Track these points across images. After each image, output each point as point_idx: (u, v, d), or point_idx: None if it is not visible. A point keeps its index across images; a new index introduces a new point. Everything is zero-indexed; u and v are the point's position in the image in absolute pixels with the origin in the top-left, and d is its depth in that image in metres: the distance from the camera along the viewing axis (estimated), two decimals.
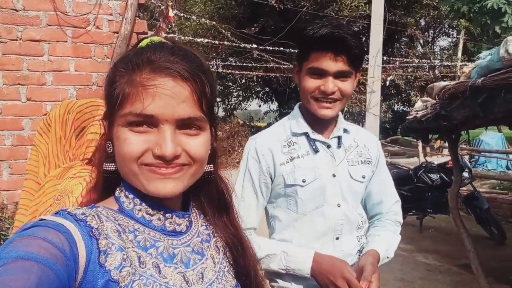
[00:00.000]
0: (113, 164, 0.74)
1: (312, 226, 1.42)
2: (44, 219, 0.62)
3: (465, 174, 5.68)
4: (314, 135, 1.45)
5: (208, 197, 0.85)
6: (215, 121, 0.78)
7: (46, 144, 1.34)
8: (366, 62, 6.86)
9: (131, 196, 0.74)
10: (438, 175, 6.05)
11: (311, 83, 1.36)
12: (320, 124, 1.45)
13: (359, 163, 1.48)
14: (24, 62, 3.10)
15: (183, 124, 0.69)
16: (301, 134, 1.46)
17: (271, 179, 1.45)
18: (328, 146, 1.45)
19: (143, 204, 0.73)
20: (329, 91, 1.33)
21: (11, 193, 3.08)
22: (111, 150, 0.73)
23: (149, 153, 0.68)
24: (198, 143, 0.71)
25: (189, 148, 0.70)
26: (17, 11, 3.07)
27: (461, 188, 5.45)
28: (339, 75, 1.34)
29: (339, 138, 1.46)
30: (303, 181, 1.40)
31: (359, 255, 1.46)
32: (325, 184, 1.42)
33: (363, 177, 1.48)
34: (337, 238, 1.44)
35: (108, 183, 0.77)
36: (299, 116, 1.49)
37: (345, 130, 1.50)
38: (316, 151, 1.43)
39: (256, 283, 0.86)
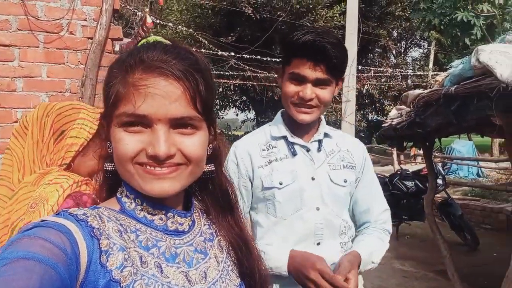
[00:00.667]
0: (112, 164, 0.74)
1: (292, 230, 1.42)
2: (45, 220, 0.62)
3: (439, 181, 5.80)
4: (292, 139, 1.46)
5: (212, 197, 0.85)
6: (213, 120, 0.77)
7: (21, 148, 1.29)
8: None
9: (132, 196, 0.74)
10: (413, 182, 6.16)
11: (290, 88, 1.39)
12: (300, 128, 1.47)
13: (341, 167, 1.47)
14: None
15: (178, 124, 0.69)
16: (280, 138, 1.48)
17: (251, 182, 1.46)
18: (308, 150, 1.46)
19: (144, 204, 0.73)
20: (306, 97, 1.36)
21: None
22: (111, 150, 0.72)
23: (143, 153, 0.68)
24: (193, 143, 0.70)
25: (184, 148, 0.69)
26: None
27: (436, 195, 5.56)
28: (318, 83, 1.36)
29: (319, 142, 1.47)
30: (280, 184, 1.41)
31: None
32: (303, 186, 1.42)
33: (345, 181, 1.46)
34: (318, 244, 1.43)
35: (111, 184, 0.78)
36: (279, 121, 1.51)
37: (327, 135, 1.50)
38: (294, 154, 1.44)
39: (260, 283, 0.86)
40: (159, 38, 0.78)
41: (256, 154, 1.46)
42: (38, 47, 3.09)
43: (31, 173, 1.26)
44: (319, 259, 1.29)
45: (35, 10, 3.08)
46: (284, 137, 1.47)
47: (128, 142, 0.68)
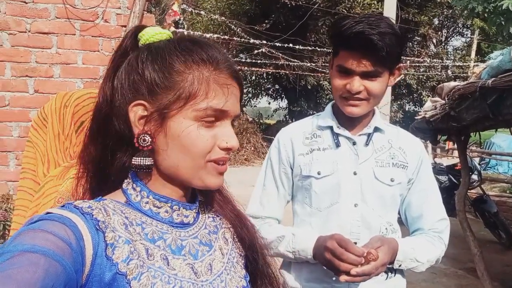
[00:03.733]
0: (148, 158, 0.71)
1: (327, 224, 1.37)
2: (51, 212, 0.62)
3: (474, 177, 5.61)
4: (338, 130, 1.41)
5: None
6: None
7: (43, 141, 1.28)
8: None
9: (138, 188, 0.74)
10: (447, 177, 5.98)
11: (338, 81, 1.34)
12: (349, 121, 1.41)
13: (390, 165, 1.39)
14: (33, 54, 3.11)
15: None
16: (326, 128, 1.43)
17: (291, 168, 1.44)
18: (354, 143, 1.39)
19: (151, 196, 0.74)
20: (353, 90, 1.29)
21: (17, 184, 3.11)
22: (148, 143, 0.70)
23: (215, 147, 0.72)
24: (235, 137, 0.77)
25: (233, 143, 0.74)
26: (26, 3, 3.09)
27: (470, 191, 5.38)
28: (366, 75, 1.29)
29: (368, 136, 1.40)
30: (318, 173, 1.37)
31: (387, 275, 1.36)
32: (342, 180, 1.36)
33: (392, 180, 1.37)
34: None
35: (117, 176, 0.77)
36: (329, 112, 1.47)
37: (378, 129, 1.42)
38: (338, 145, 1.39)
39: (263, 274, 0.87)
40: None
41: (299, 141, 1.43)
42: (75, 34, 3.19)
43: (55, 166, 1.25)
44: (332, 236, 1.24)
45: None
46: (330, 128, 1.42)
47: (207, 137, 0.71)
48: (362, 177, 1.37)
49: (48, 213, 0.62)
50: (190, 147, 0.70)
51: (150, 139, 0.70)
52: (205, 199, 0.85)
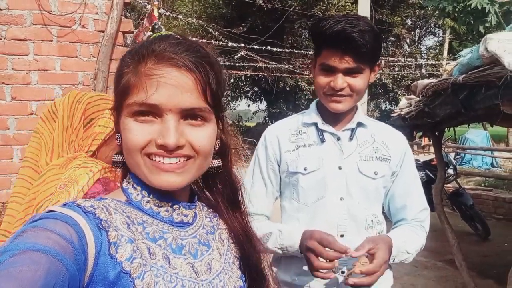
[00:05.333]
0: (121, 156, 0.74)
1: (314, 218, 1.41)
2: (53, 211, 0.62)
3: (450, 171, 5.77)
4: (323, 126, 1.45)
5: (220, 192, 0.85)
6: (222, 114, 0.78)
7: (50, 132, 1.31)
8: None
9: (139, 188, 0.74)
10: (424, 172, 6.12)
11: (322, 79, 1.38)
12: (333, 117, 1.45)
13: (374, 159, 1.43)
14: (9, 61, 3.06)
15: (187, 115, 0.69)
16: (311, 125, 1.47)
17: (278, 165, 1.48)
18: (338, 139, 1.43)
19: (151, 195, 0.74)
20: (337, 87, 1.34)
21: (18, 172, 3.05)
22: (120, 142, 0.72)
23: (152, 143, 0.68)
24: (202, 135, 0.71)
25: (193, 139, 0.69)
26: (1, 10, 3.04)
27: (446, 185, 5.54)
28: (349, 72, 1.34)
29: (352, 131, 1.44)
30: (305, 169, 1.41)
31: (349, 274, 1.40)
32: (327, 175, 1.40)
33: (376, 173, 1.41)
34: (342, 236, 1.39)
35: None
36: (313, 109, 1.51)
37: (361, 124, 1.46)
38: (322, 141, 1.43)
39: (260, 278, 0.88)
40: (170, 33, 0.79)
41: (285, 138, 1.48)
42: (52, 41, 3.16)
43: (58, 157, 1.29)
44: (320, 231, 1.28)
45: (48, 5, 3.15)
46: (315, 124, 1.46)
47: (138, 132, 0.67)
48: (347, 171, 1.41)
49: (50, 211, 0.62)
50: (125, 141, 0.70)
51: (120, 137, 0.72)
52: (219, 210, 0.85)
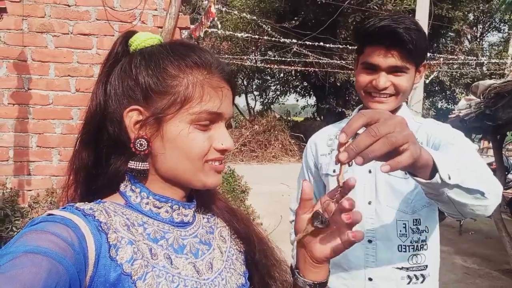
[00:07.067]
0: (143, 163, 0.72)
1: None
2: (52, 214, 0.63)
3: (510, 176, 5.46)
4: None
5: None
6: None
7: None
8: None
9: (138, 190, 0.74)
10: None
11: (363, 77, 1.32)
12: None
13: None
14: (74, 55, 3.27)
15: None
16: None
17: (316, 168, 1.54)
18: None
19: (151, 197, 0.74)
20: (380, 87, 1.28)
21: (60, 179, 3.28)
22: (145, 148, 0.70)
23: (212, 149, 0.73)
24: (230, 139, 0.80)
25: (228, 143, 0.76)
26: (69, 6, 3.24)
27: (505, 191, 5.24)
28: (393, 70, 1.28)
29: None
30: (334, 171, 1.41)
31: (408, 278, 1.30)
32: (355, 177, 1.37)
33: (405, 173, 1.34)
34: (370, 241, 1.33)
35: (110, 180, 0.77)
36: (355, 113, 1.48)
37: None
38: None
39: (261, 258, 0.87)
40: (144, 35, 0.77)
41: (323, 143, 1.52)
42: (114, 35, 3.32)
43: None
44: None
45: (112, 1, 3.31)
46: None
47: (203, 140, 0.71)
48: (377, 174, 1.36)
49: (50, 214, 0.63)
50: (187, 150, 0.70)
51: (146, 143, 0.71)
52: (200, 198, 0.85)
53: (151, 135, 0.71)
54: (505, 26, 21.02)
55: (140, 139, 0.70)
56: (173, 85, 0.70)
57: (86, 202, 0.69)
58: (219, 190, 0.92)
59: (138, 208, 0.74)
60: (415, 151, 0.72)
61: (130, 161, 0.72)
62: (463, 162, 0.95)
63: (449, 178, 0.86)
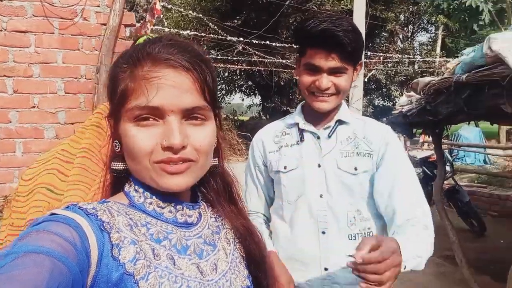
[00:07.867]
0: (121, 163, 0.74)
1: (297, 215, 1.45)
2: (55, 214, 0.62)
3: (447, 168, 5.83)
4: (304, 126, 1.49)
5: (215, 189, 0.85)
6: (219, 111, 0.79)
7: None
8: None
9: (141, 190, 0.74)
10: (421, 169, 6.18)
11: (306, 78, 1.40)
12: (316, 116, 1.48)
13: (355, 155, 1.43)
14: (10, 54, 3.02)
15: (188, 115, 0.70)
16: (293, 125, 1.53)
17: (265, 165, 1.55)
18: (318, 137, 1.47)
19: (154, 197, 0.74)
20: (322, 87, 1.36)
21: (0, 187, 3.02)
22: (119, 149, 0.72)
23: (158, 148, 0.68)
24: (204, 134, 0.72)
25: (195, 140, 0.70)
26: (1, 1, 2.99)
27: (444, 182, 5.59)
28: (333, 71, 1.36)
29: (331, 129, 1.46)
30: (285, 168, 1.47)
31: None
32: (306, 172, 1.44)
33: (355, 169, 1.41)
34: (323, 233, 1.42)
35: (117, 180, 0.78)
36: (298, 110, 1.55)
37: (342, 122, 1.47)
38: (302, 140, 1.48)
39: (266, 273, 0.88)
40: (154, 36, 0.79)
41: (270, 140, 1.54)
42: (53, 33, 3.12)
43: None
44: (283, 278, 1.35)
45: None
46: (297, 124, 1.50)
47: (143, 137, 0.68)
48: (326, 168, 1.44)
49: (52, 214, 0.62)
50: (130, 148, 0.69)
51: (119, 144, 0.72)
52: (217, 208, 0.84)
53: (116, 135, 0.72)
54: (432, 27, 22.46)
55: (115, 141, 0.73)
56: (117, 85, 0.70)
57: (90, 202, 0.69)
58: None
59: (142, 208, 0.73)
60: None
61: (112, 162, 0.72)
62: (416, 251, 1.14)
63: (404, 268, 1.07)
